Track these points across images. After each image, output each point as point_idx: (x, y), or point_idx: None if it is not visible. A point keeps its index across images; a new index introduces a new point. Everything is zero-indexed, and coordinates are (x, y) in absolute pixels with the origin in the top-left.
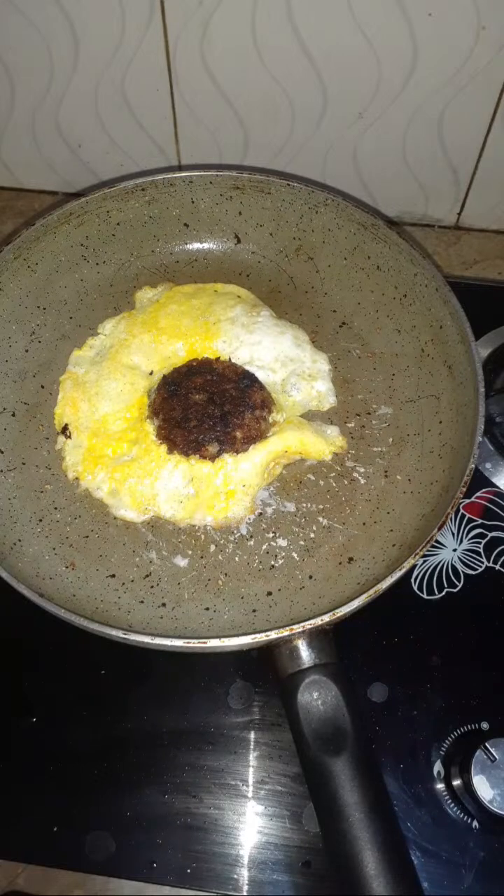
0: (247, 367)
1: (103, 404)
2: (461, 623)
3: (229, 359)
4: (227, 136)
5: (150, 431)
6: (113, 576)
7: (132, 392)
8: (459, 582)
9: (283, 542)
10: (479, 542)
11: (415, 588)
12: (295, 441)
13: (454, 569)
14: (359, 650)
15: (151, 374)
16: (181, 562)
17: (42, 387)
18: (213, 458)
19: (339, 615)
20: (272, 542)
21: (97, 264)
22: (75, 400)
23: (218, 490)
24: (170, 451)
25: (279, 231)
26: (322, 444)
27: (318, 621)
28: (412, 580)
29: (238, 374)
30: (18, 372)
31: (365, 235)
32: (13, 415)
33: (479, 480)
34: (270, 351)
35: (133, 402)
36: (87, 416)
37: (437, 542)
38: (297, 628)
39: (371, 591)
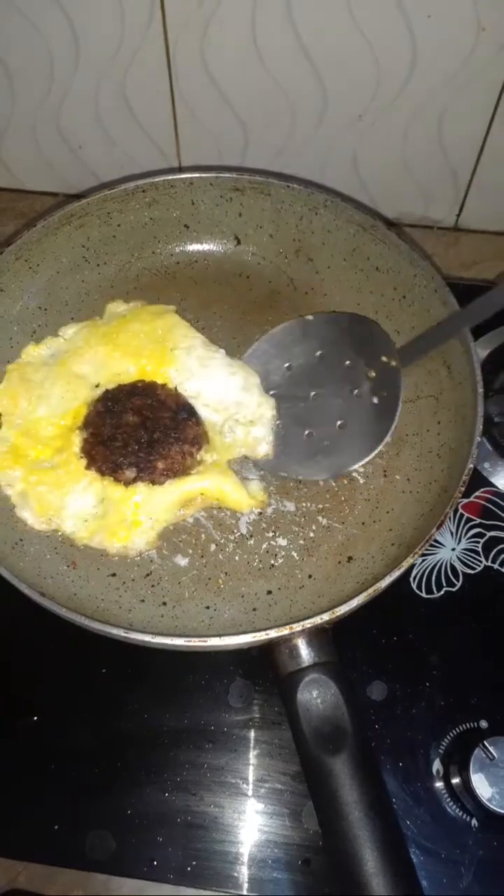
0: (191, 401)
1: (42, 407)
2: (460, 622)
3: (175, 388)
4: (226, 136)
5: (76, 443)
6: (114, 575)
7: (72, 400)
8: (458, 581)
9: (282, 542)
10: (478, 542)
11: (414, 587)
12: (214, 487)
13: (453, 568)
14: (358, 649)
15: (97, 386)
16: (181, 561)
17: None
18: (127, 482)
19: (338, 614)
20: (272, 542)
21: (98, 265)
22: (16, 394)
23: (124, 517)
24: (88, 467)
25: (279, 232)
26: (242, 496)
27: (317, 620)
28: (411, 579)
29: (178, 405)
30: None
31: (364, 237)
32: None
33: (478, 480)
34: (217, 390)
35: (70, 410)
36: (24, 413)
37: (435, 541)
38: (297, 627)
39: (370, 590)
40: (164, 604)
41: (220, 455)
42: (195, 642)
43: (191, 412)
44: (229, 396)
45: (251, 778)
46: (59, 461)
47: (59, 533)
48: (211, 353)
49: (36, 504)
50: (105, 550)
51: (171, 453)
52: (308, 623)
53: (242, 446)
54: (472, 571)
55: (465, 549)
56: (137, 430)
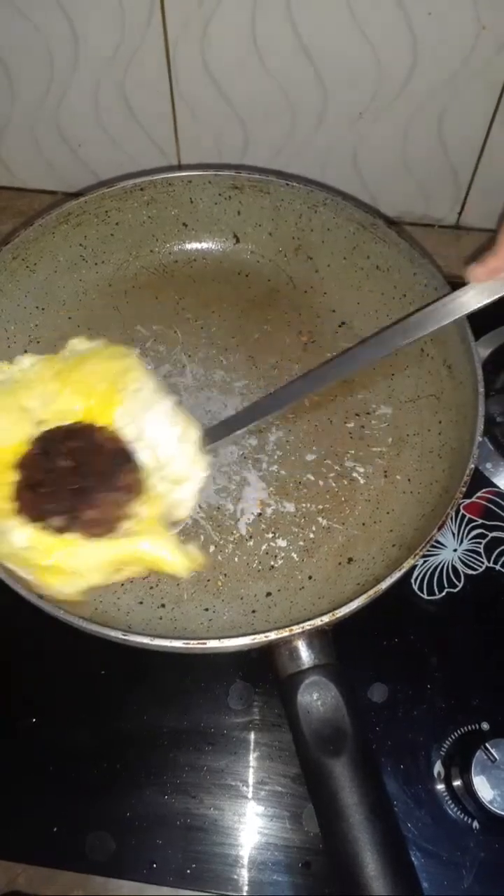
0: (130, 445)
1: None
2: (462, 623)
3: (115, 432)
4: (226, 135)
5: (8, 483)
6: None
7: (15, 435)
8: (460, 582)
9: (282, 543)
10: (480, 543)
11: (415, 588)
12: (149, 554)
13: (454, 569)
14: (359, 650)
15: (40, 423)
16: None
17: None
18: (56, 531)
19: (338, 616)
20: (271, 543)
21: (96, 264)
22: None
23: (51, 566)
24: (17, 513)
25: (278, 231)
26: (183, 561)
27: (317, 622)
28: (412, 580)
29: (115, 449)
30: None
31: (364, 235)
32: None
33: (480, 480)
34: (156, 438)
35: (9, 446)
36: None
37: (437, 542)
38: (297, 629)
39: (371, 592)
40: (163, 606)
41: (152, 508)
42: (194, 644)
43: (127, 458)
44: (165, 447)
45: (251, 780)
46: None
47: None
48: (157, 399)
49: None
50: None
51: (102, 502)
52: (308, 625)
53: (165, 504)
54: (473, 572)
55: (467, 550)
56: (70, 476)
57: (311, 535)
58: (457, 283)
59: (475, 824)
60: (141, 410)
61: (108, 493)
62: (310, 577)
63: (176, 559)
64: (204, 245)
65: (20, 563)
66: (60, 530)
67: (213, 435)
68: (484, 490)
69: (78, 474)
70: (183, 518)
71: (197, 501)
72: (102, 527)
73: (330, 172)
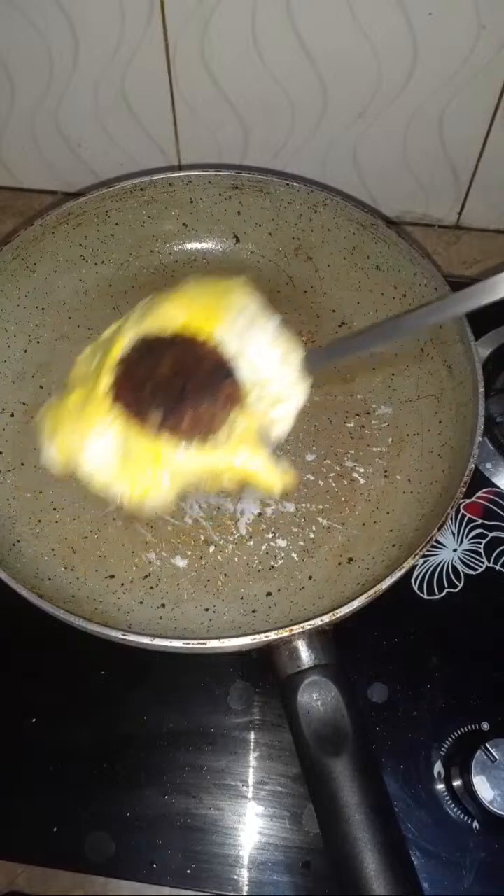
0: (234, 360)
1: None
2: (462, 623)
3: (216, 345)
4: (226, 135)
5: (105, 383)
6: (112, 576)
7: (114, 333)
8: (460, 582)
9: (282, 543)
10: (480, 543)
11: (415, 588)
12: (244, 467)
13: (454, 569)
14: (359, 651)
15: (140, 326)
16: (180, 562)
17: (41, 387)
18: (153, 428)
19: (338, 616)
20: (271, 543)
21: (96, 264)
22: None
23: (144, 469)
24: (113, 405)
25: (278, 231)
26: (274, 476)
27: (317, 622)
28: (412, 580)
29: (216, 362)
30: (17, 373)
31: (364, 235)
32: (12, 415)
33: (480, 480)
34: (257, 356)
35: (111, 346)
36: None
37: (437, 542)
38: (297, 629)
39: (371, 592)
40: (163, 605)
41: (249, 423)
42: (194, 644)
43: (228, 372)
44: (266, 367)
45: (251, 780)
46: (87, 401)
47: (76, 477)
48: (261, 318)
49: (58, 443)
50: (118, 501)
51: (202, 408)
52: (308, 625)
53: (262, 422)
54: (473, 572)
55: (467, 550)
56: (170, 381)
57: (312, 535)
58: (456, 283)
59: (475, 824)
60: (243, 328)
61: (206, 400)
62: (310, 577)
63: (270, 475)
64: (204, 245)
65: (109, 480)
66: (158, 431)
67: (314, 360)
68: (484, 490)
69: (178, 380)
70: (280, 437)
71: (293, 423)
72: (200, 432)
73: (330, 171)
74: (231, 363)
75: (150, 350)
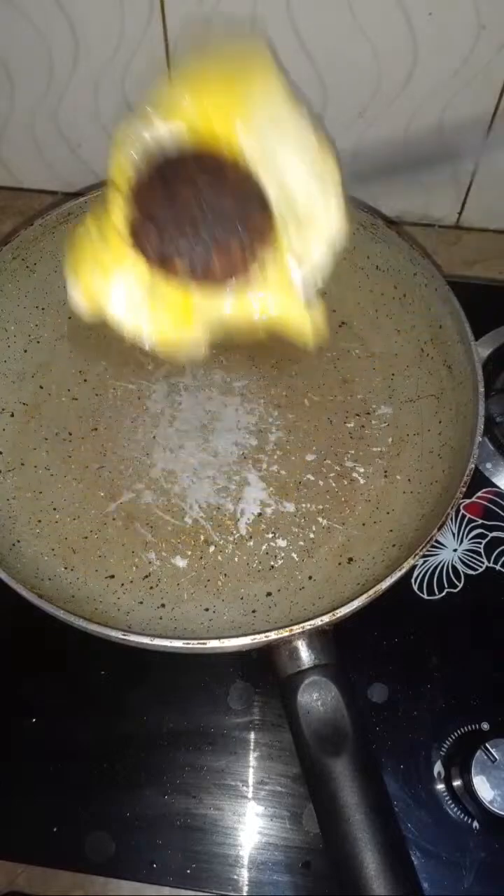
0: (261, 176)
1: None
2: (462, 623)
3: (239, 156)
4: None
5: (119, 223)
6: (112, 576)
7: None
8: (460, 582)
9: (282, 543)
10: (480, 543)
11: (415, 588)
12: (277, 308)
13: (454, 569)
14: (359, 651)
15: (149, 113)
16: (180, 562)
17: (41, 387)
18: (178, 277)
19: (338, 616)
20: (271, 543)
21: None
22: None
23: (173, 314)
24: (133, 247)
25: None
26: (307, 324)
27: (317, 622)
28: (412, 580)
29: (247, 189)
30: (17, 373)
31: (364, 235)
32: (12, 415)
33: (480, 480)
34: (283, 165)
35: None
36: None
37: (437, 542)
38: (297, 629)
39: (371, 592)
40: (163, 605)
41: (281, 262)
42: (194, 644)
43: (261, 200)
44: (298, 186)
45: (251, 780)
46: (104, 238)
47: (106, 320)
48: (291, 112)
49: (82, 283)
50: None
51: (231, 248)
52: (308, 625)
53: (294, 260)
54: (473, 573)
55: (467, 550)
56: (193, 211)
57: (311, 535)
58: (456, 283)
59: (475, 824)
60: (268, 124)
61: (237, 238)
62: (310, 577)
63: (304, 322)
64: None
65: (139, 324)
66: (184, 277)
67: (359, 174)
68: (484, 490)
69: (202, 210)
70: (315, 279)
71: (331, 264)
72: (228, 272)
73: None
74: (257, 185)
75: (162, 179)
